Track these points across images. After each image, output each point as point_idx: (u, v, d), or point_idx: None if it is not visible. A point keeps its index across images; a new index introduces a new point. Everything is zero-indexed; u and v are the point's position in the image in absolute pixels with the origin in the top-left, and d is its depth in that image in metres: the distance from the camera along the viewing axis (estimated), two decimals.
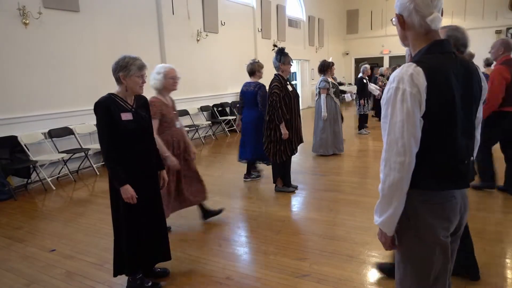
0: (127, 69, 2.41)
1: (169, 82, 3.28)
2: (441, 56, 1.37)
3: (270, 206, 4.30)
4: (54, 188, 5.45)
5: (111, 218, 2.59)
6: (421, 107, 1.30)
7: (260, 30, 11.97)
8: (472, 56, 5.37)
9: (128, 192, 2.39)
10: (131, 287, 2.64)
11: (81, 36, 6.47)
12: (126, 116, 2.44)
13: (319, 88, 6.53)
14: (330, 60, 6.88)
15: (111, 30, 7.01)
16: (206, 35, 9.46)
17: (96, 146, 6.42)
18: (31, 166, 5.48)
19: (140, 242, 2.58)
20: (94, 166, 6.27)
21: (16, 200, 4.98)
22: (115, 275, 2.63)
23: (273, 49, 4.45)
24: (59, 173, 5.98)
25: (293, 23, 14.32)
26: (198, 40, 9.26)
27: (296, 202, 4.47)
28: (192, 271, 2.92)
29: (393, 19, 1.50)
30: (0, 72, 5.40)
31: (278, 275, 2.80)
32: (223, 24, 10.13)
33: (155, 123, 3.11)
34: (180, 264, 3.01)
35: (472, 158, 1.47)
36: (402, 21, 1.42)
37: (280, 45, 12.88)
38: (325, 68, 6.53)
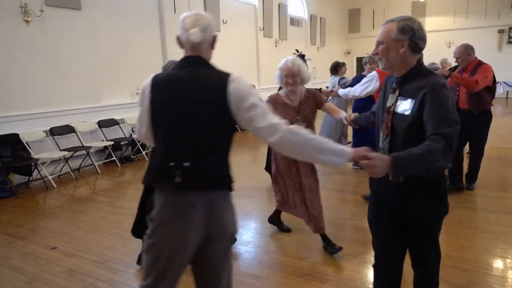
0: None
1: None
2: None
3: (271, 205, 4.29)
4: (55, 186, 5.46)
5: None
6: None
7: (262, 28, 11.95)
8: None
9: None
10: None
11: (83, 34, 6.46)
12: None
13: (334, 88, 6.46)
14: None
15: (112, 28, 7.00)
16: None
17: (97, 144, 6.42)
18: (33, 163, 5.48)
19: None
20: (96, 164, 6.27)
21: (17, 198, 4.98)
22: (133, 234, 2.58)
23: (294, 54, 4.45)
24: (60, 171, 5.98)
25: (295, 21, 14.29)
26: None
27: None
28: None
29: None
30: (2, 69, 5.40)
31: (279, 274, 2.80)
32: (224, 22, 10.12)
33: None
34: None
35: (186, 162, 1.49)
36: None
37: (281, 43, 12.95)
38: (336, 68, 6.56)
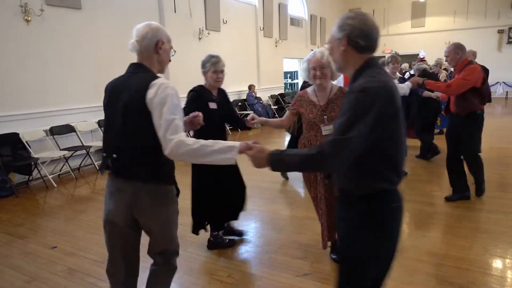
0: (204, 66, 2.92)
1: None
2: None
3: (272, 205, 4.30)
4: (55, 185, 5.46)
5: (191, 188, 3.05)
6: None
7: (262, 28, 11.95)
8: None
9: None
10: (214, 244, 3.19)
11: (83, 34, 6.46)
12: (212, 105, 2.89)
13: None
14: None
15: (112, 28, 6.99)
16: (208, 33, 9.45)
17: (97, 143, 6.42)
18: (33, 163, 5.48)
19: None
20: (96, 163, 6.26)
21: (17, 197, 4.98)
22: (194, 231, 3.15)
23: None
24: (60, 170, 5.98)
25: (295, 21, 14.28)
26: (200, 38, 9.24)
27: (298, 201, 4.47)
28: (194, 269, 2.92)
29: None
30: (2, 69, 5.39)
31: (279, 274, 2.80)
32: (225, 22, 10.12)
33: None
34: (182, 262, 2.99)
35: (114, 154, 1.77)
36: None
37: (281, 43, 12.94)
38: None
